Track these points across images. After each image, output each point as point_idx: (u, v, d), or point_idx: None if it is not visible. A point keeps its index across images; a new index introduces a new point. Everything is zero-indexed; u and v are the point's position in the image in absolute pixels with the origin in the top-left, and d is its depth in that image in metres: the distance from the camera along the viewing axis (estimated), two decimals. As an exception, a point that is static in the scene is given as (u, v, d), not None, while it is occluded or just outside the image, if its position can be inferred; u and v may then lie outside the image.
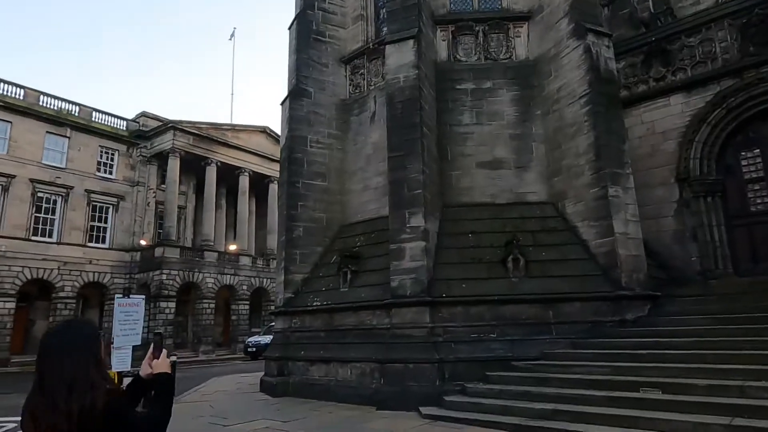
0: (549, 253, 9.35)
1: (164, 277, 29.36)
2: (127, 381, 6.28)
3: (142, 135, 32.44)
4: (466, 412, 7.29)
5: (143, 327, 25.67)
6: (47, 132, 28.49)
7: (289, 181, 11.55)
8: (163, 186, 32.93)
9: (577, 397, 6.73)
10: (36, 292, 27.97)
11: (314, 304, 10.41)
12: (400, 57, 9.98)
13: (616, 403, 6.37)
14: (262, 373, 14.20)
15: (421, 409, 7.73)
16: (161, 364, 2.17)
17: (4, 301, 25.58)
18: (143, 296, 7.22)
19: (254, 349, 25.15)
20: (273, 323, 30.28)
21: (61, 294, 27.77)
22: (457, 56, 11.16)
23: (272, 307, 36.71)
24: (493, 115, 10.71)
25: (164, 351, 2.24)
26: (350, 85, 12.59)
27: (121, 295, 6.81)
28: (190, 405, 9.41)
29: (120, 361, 6.54)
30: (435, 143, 10.28)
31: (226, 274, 32.94)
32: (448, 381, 8.18)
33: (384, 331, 8.98)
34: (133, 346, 6.75)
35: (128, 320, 6.75)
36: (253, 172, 35.73)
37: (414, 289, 8.75)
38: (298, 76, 12.14)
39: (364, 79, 12.27)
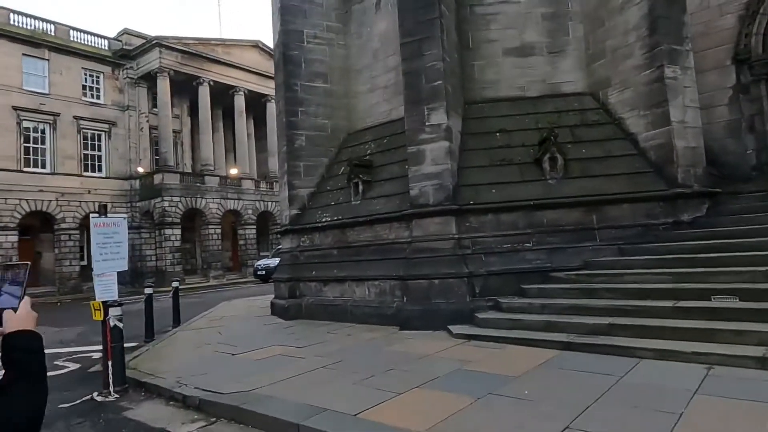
0: (590, 150, 8.11)
1: (166, 204, 28.55)
2: (115, 312, 5.37)
3: (126, 54, 30.21)
4: (503, 329, 6.44)
5: (150, 254, 25.18)
6: (23, 54, 26.41)
7: (286, 84, 10.09)
8: (155, 110, 31.22)
9: (636, 309, 5.80)
10: (39, 225, 27.37)
11: (324, 220, 9.39)
12: None
13: (685, 314, 5.44)
14: (272, 296, 13.63)
15: (450, 327, 6.91)
16: (19, 319, 1.07)
17: (6, 234, 25.01)
18: (124, 215, 6.16)
19: (264, 272, 24.81)
20: (281, 246, 29.96)
21: (63, 225, 27.16)
22: None
23: (278, 231, 36.59)
24: (521, -9, 9.00)
25: (26, 298, 1.14)
26: (350, -34, 10.72)
27: (96, 215, 5.74)
28: (196, 332, 8.70)
29: (104, 289, 5.61)
30: (455, 28, 8.69)
31: (230, 198, 32.07)
32: (479, 296, 7.30)
33: (404, 245, 8.00)
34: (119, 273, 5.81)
35: (108, 243, 5.73)
36: (249, 90, 33.70)
37: (437, 196, 7.63)
38: (287, -44, 10.27)
39: (365, -42, 10.39)
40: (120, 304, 5.47)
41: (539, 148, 7.98)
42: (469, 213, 7.68)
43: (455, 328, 6.83)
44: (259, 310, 11.11)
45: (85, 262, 29.51)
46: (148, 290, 8.75)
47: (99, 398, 5.18)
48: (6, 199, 25.03)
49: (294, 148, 9.99)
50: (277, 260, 25.45)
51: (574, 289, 6.75)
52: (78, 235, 28.15)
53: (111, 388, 5.27)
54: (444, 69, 7.79)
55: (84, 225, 28.88)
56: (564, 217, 7.61)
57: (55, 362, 7.21)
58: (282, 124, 10.23)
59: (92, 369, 6.63)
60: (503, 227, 7.64)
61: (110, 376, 5.29)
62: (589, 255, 7.32)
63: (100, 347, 6.64)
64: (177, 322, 9.88)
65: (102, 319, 5.45)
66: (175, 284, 10.14)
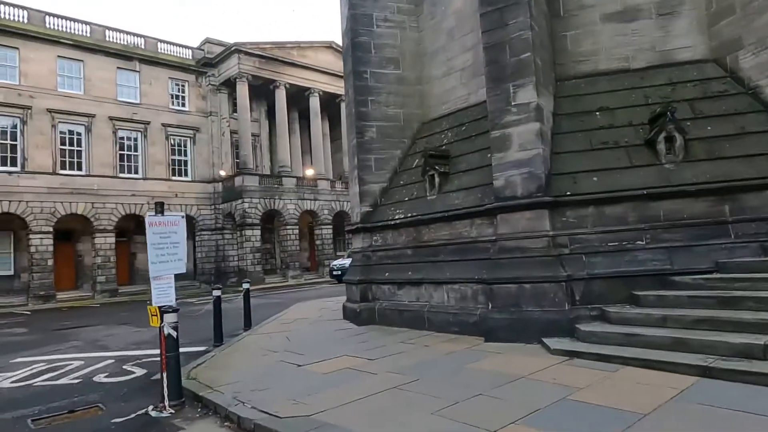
0: (718, 127, 6.64)
1: (246, 205, 29.32)
2: (169, 319, 4.91)
3: (208, 62, 31.50)
4: (614, 346, 5.28)
5: (233, 255, 25.68)
6: (118, 68, 28.25)
7: (354, 72, 9.43)
8: (235, 115, 32.28)
9: (802, 325, 4.43)
10: (133, 227, 29.15)
11: (397, 217, 8.61)
12: None
13: None
14: (345, 297, 13.08)
15: (546, 341, 5.85)
16: None
17: (105, 237, 26.82)
18: (182, 213, 5.71)
19: (339, 272, 24.60)
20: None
21: (154, 227, 28.66)
22: None
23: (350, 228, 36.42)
24: (623, -57, 7.66)
25: None
26: (421, -58, 9.86)
27: (153, 213, 5.34)
28: (265, 337, 8.26)
29: (160, 293, 5.20)
30: (542, -7, 7.55)
31: (306, 199, 32.39)
32: (580, 305, 6.14)
33: (488, 244, 7.01)
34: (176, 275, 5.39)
35: (164, 243, 5.33)
36: (323, 91, 33.89)
37: (527, 187, 6.56)
38: (354, -63, 9.61)
39: (438, -70, 9.47)
40: (176, 310, 5.00)
41: (651, 126, 6.64)
42: (565, 206, 6.53)
43: (552, 342, 5.75)
44: (331, 314, 10.56)
45: (174, 262, 31.11)
46: (216, 292, 8.44)
47: (153, 413, 4.74)
48: (104, 203, 26.83)
49: (364, 141, 9.30)
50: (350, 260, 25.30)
51: (708, 298, 5.41)
52: (167, 237, 29.63)
53: (166, 402, 4.80)
54: (532, 39, 6.69)
55: (173, 227, 30.44)
56: (686, 208, 6.23)
57: (124, 366, 7.04)
58: (351, 115, 9.58)
59: (156, 376, 6.30)
60: (608, 222, 6.40)
61: (165, 389, 4.83)
62: (722, 255, 5.91)
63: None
64: (248, 324, 9.58)
65: (158, 325, 5.01)
66: (245, 285, 9.82)
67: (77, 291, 26.69)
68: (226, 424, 4.40)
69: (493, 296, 6.60)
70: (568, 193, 6.54)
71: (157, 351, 7.83)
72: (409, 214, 8.38)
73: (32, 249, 24.44)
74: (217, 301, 8.23)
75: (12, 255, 25.63)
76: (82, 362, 7.41)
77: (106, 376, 6.47)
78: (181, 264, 5.47)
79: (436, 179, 8.15)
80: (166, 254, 5.32)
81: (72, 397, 5.60)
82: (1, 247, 25.47)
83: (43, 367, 7.24)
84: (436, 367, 5.45)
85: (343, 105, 35.15)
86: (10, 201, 23.87)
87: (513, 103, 6.71)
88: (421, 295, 7.90)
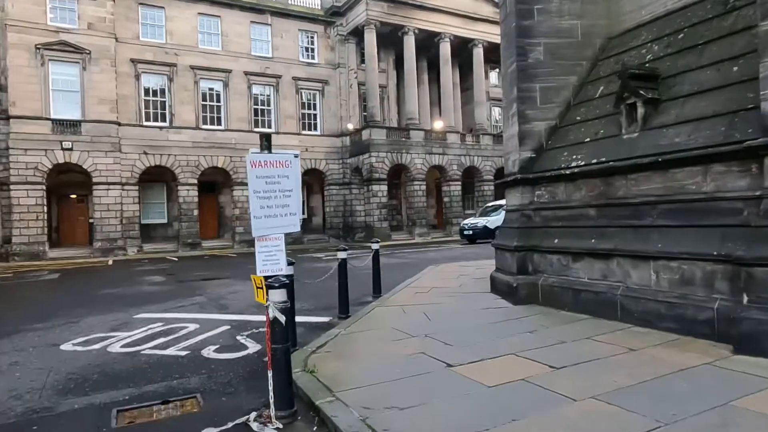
0: None
1: (373, 159, 28.39)
2: (276, 297, 3.43)
3: (336, 11, 30.50)
4: None
5: (360, 210, 25.25)
6: (251, 22, 28.45)
7: (515, -29, 7.11)
8: (362, 66, 31.14)
9: None
10: (267, 181, 29.97)
11: (573, 164, 6.36)
12: None
13: None
14: (485, 261, 11.25)
15: None
16: None
17: (243, 189, 27.68)
18: (297, 152, 4.17)
19: (471, 233, 22.64)
20: (489, 204, 27.19)
21: (286, 181, 29.15)
22: None
23: (485, 188, 33.78)
24: None
25: None
26: None
27: (257, 150, 3.88)
28: (398, 311, 6.73)
29: (267, 258, 3.78)
30: None
31: (434, 153, 30.55)
32: None
33: (738, 203, 4.55)
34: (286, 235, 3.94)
35: (272, 192, 3.84)
36: (454, 36, 31.14)
37: (833, 108, 3.94)
38: None
39: None
40: (285, 285, 3.53)
41: None
42: None
43: None
44: (472, 284, 8.77)
45: (305, 216, 31.68)
46: (341, 254, 7.06)
47: (255, 425, 3.40)
48: (241, 157, 27.60)
49: (527, 65, 7.04)
50: (485, 219, 22.93)
51: None
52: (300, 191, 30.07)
53: (272, 412, 3.43)
54: None
55: (305, 182, 30.83)
56: None
57: (238, 337, 6.00)
58: (510, 31, 7.32)
59: (269, 356, 5.10)
60: None
61: (271, 393, 3.44)
62: None
63: (296, 317, 5.12)
64: (377, 291, 8.21)
65: (264, 302, 3.61)
66: (375, 246, 8.37)
67: (219, 240, 28.32)
68: (351, 465, 2.87)
69: (752, 284, 4.21)
70: None
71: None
72: (594, 160, 6.08)
73: (180, 200, 26.16)
74: (343, 265, 6.85)
75: (165, 205, 27.81)
76: (197, 326, 6.58)
77: (215, 350, 5.45)
78: (295, 220, 3.99)
79: (639, 110, 5.70)
80: (274, 206, 3.86)
81: (172, 378, 4.57)
82: (157, 198, 27.72)
83: (159, 329, 6.54)
84: (675, 397, 3.36)
85: (475, 51, 32.25)
86: (161, 154, 25.57)
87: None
88: (611, 272, 5.69)
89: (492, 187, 33.10)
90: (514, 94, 7.13)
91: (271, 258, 3.85)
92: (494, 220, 22.54)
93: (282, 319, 3.41)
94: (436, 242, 26.58)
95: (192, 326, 6.57)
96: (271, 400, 3.46)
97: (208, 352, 5.36)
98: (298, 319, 5.76)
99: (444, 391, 3.73)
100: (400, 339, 5.22)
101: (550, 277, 6.43)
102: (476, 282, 8.88)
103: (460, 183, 31.76)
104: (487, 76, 34.83)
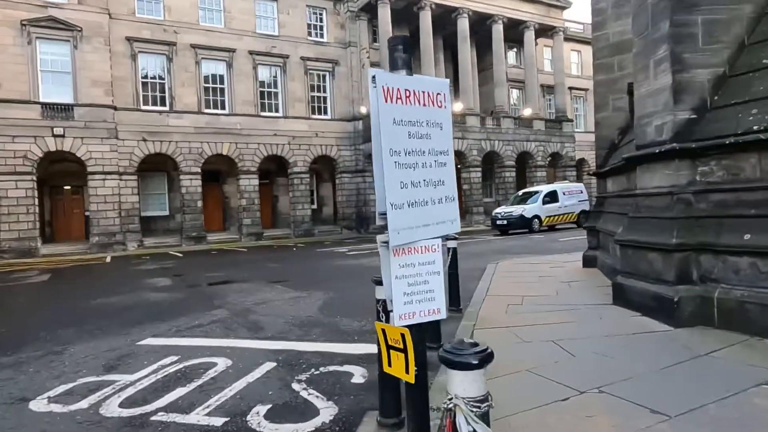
0: None
1: (390, 145, 26.31)
2: (466, 383, 1.52)
3: (346, -16, 28.27)
4: None
5: (356, 199, 22.93)
6: (255, -4, 26.26)
7: None
8: (375, 45, 29.04)
9: None
10: (275, 169, 28.00)
11: (765, 126, 4.39)
12: None
13: None
14: (551, 257, 9.46)
15: None
16: None
17: (249, 179, 25.87)
18: (447, 80, 2.18)
19: (505, 222, 20.65)
20: (521, 191, 24.84)
21: (295, 169, 27.20)
22: None
23: (506, 174, 31.72)
24: None
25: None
26: None
27: (382, 71, 1.94)
28: (511, 340, 4.69)
29: (412, 289, 1.86)
30: None
31: (454, 138, 28.16)
32: None
33: None
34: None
35: (419, 155, 1.90)
36: (473, 11, 28.97)
37: None
38: None
39: None
40: (486, 359, 1.58)
41: None
42: None
43: None
44: (572, 290, 6.83)
45: (315, 206, 29.70)
46: (451, 243, 5.04)
47: None
48: (247, 143, 25.69)
49: (681, -10, 5.03)
50: (521, 208, 20.75)
51: None
52: (308, 179, 28.11)
53: None
54: None
55: (313, 169, 28.80)
56: None
57: (294, 386, 3.99)
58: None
59: (353, 423, 3.13)
60: None
61: None
62: None
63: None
64: (455, 304, 6.20)
65: (403, 376, 1.65)
66: (451, 244, 6.29)
67: (225, 233, 26.39)
68: None
69: None
70: None
71: (339, 349, 4.79)
72: (811, 118, 4.12)
73: (183, 190, 24.17)
74: (453, 259, 4.82)
75: (167, 196, 25.83)
76: (229, 362, 4.61)
77: (267, 414, 3.48)
78: (455, 211, 2.05)
79: None
80: (422, 184, 1.91)
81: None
82: (157, 188, 25.73)
83: (174, 367, 4.58)
84: None
85: (494, 27, 30.06)
86: (161, 141, 23.53)
87: None
88: None
89: (513, 174, 31.17)
90: (660, 30, 5.13)
91: (420, 287, 1.90)
92: (530, 209, 20.61)
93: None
94: (462, 232, 24.62)
95: (221, 362, 4.62)
96: None
97: (258, 419, 3.40)
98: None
99: None
100: (567, 398, 3.27)
101: (737, 289, 4.47)
102: (574, 288, 6.96)
103: (480, 169, 29.80)
104: (505, 56, 32.66)
